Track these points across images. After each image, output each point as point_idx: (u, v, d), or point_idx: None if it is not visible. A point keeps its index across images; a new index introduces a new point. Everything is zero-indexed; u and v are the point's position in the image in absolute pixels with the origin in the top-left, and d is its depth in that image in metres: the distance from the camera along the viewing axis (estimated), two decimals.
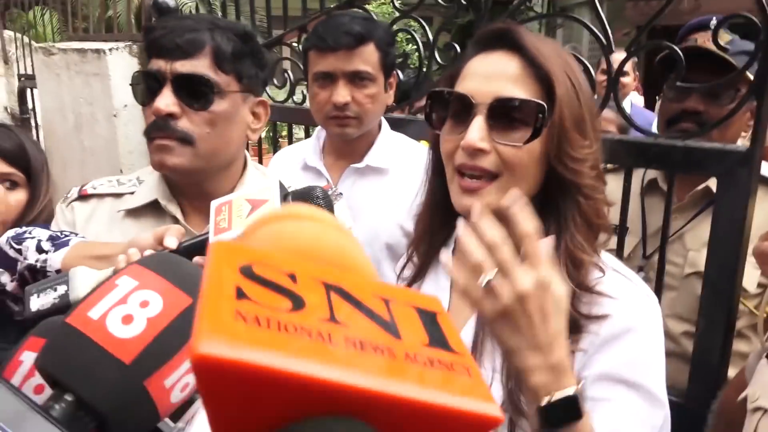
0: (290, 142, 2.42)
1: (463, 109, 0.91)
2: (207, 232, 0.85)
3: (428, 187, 1.04)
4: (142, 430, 0.50)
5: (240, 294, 0.27)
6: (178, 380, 0.49)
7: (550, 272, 0.72)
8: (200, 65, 1.11)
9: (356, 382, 0.24)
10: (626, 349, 0.87)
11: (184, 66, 1.10)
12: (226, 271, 0.28)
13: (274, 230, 0.34)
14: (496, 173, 0.90)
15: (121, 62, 2.72)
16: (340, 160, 1.78)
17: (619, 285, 0.91)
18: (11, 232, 1.20)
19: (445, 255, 1.02)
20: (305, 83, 2.26)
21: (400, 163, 1.74)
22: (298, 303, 0.28)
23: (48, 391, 0.48)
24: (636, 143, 1.48)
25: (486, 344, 0.92)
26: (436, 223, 1.05)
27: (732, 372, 1.50)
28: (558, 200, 0.91)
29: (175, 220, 1.19)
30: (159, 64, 1.10)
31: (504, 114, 0.88)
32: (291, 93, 2.33)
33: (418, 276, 1.07)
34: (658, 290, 1.48)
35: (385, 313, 0.30)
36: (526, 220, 0.73)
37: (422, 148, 1.76)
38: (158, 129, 1.10)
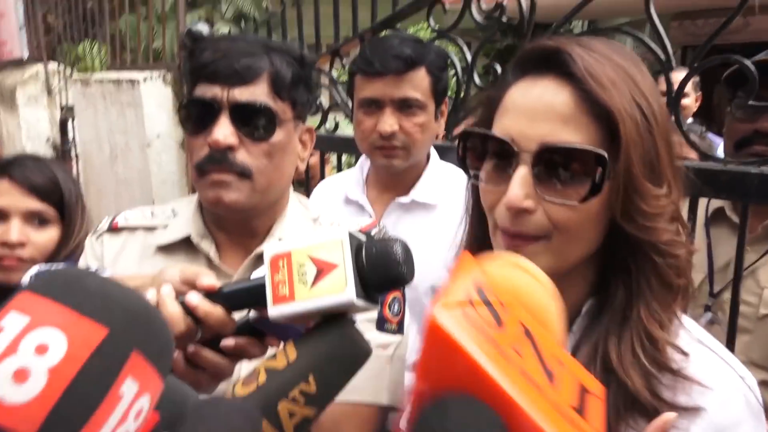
0: (322, 172, 2.33)
1: (503, 156, 0.74)
2: (251, 282, 0.71)
3: (469, 229, 0.90)
4: None
5: (470, 302, 0.38)
6: (121, 420, 0.38)
7: None
8: (259, 92, 1.02)
9: (504, 385, 0.34)
10: None
11: (243, 94, 1.00)
12: (468, 282, 0.40)
13: (513, 274, 0.44)
14: (543, 237, 0.73)
15: (154, 91, 2.71)
16: (384, 193, 1.65)
17: (712, 368, 0.73)
18: (34, 269, 1.12)
19: None
20: (338, 110, 2.19)
21: (449, 198, 1.59)
22: (500, 324, 0.38)
23: None
24: (703, 170, 1.32)
25: None
26: None
27: None
28: (627, 260, 0.74)
29: (208, 260, 1.10)
30: (214, 91, 1.01)
31: (554, 165, 0.71)
32: (323, 120, 2.25)
33: None
34: (732, 333, 1.31)
35: (554, 368, 0.37)
36: None
37: None
38: (215, 162, 1.01)
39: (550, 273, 0.73)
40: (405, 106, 1.52)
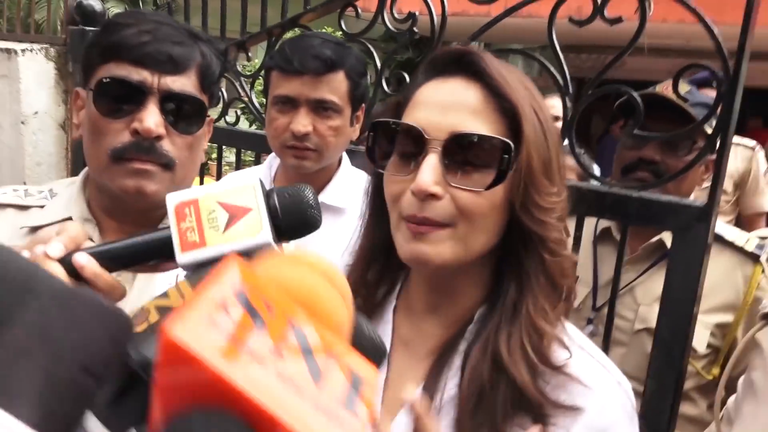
0: (219, 165, 2.25)
1: (412, 145, 0.76)
2: (153, 233, 0.65)
3: (365, 232, 0.90)
4: None
5: (223, 306, 0.35)
6: None
7: None
8: (189, 83, 0.99)
9: (250, 391, 0.31)
10: None
11: (175, 83, 0.97)
12: (225, 289, 0.36)
13: (283, 267, 0.42)
14: (449, 224, 0.76)
15: (34, 65, 2.47)
16: None
17: (591, 370, 0.78)
18: None
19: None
20: (241, 104, 2.12)
21: (359, 202, 1.58)
22: (261, 326, 0.35)
23: None
24: (591, 191, 1.40)
25: None
26: (375, 274, 0.89)
27: None
28: (521, 256, 0.79)
29: None
30: (143, 75, 0.95)
31: (462, 153, 0.75)
32: (224, 113, 2.17)
33: None
34: (606, 345, 1.40)
35: (324, 365, 0.36)
36: None
37: None
38: (141, 151, 0.96)
39: (455, 262, 0.77)
40: (321, 108, 1.49)
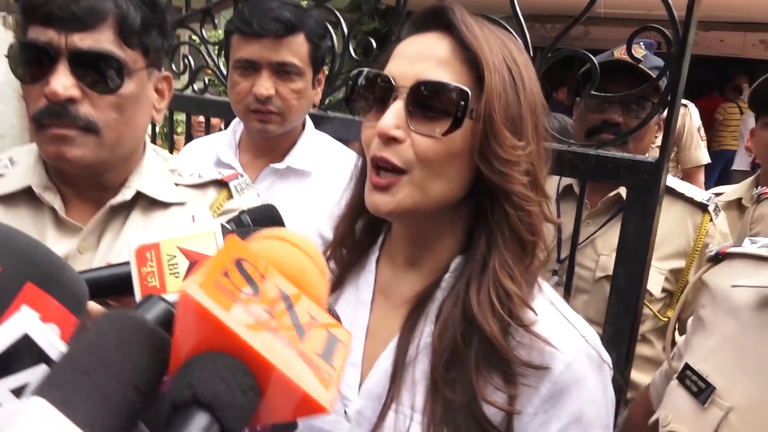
0: (188, 133, 2.25)
1: (383, 93, 0.80)
2: (114, 269, 0.65)
3: (354, 184, 0.94)
4: None
5: (225, 274, 0.41)
6: None
7: None
8: (103, 39, 0.93)
9: (249, 339, 0.38)
10: (573, 409, 0.78)
11: (84, 40, 0.91)
12: (227, 258, 0.43)
13: (273, 246, 0.47)
14: (404, 169, 0.79)
15: None
16: (257, 158, 1.63)
17: (559, 329, 0.80)
18: None
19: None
20: (209, 71, 2.12)
21: (324, 166, 1.61)
22: (255, 291, 0.42)
23: None
24: (552, 150, 1.47)
25: (406, 377, 0.82)
26: (360, 226, 0.94)
27: (634, 375, 1.55)
28: (487, 208, 0.81)
29: (53, 212, 1.02)
30: (49, 35, 0.90)
31: (425, 100, 0.78)
32: (191, 81, 2.17)
33: (336, 285, 0.96)
34: (568, 292, 1.49)
35: (307, 324, 0.43)
36: None
37: (350, 152, 1.65)
38: (54, 116, 0.92)
39: (416, 209, 0.80)
40: (282, 71, 1.50)
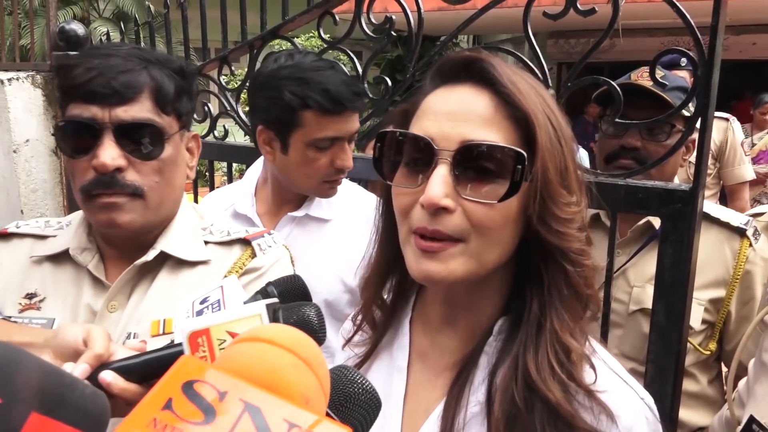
0: (212, 179, 2.26)
1: (421, 156, 0.73)
2: (168, 351, 0.71)
3: (378, 247, 0.87)
4: None
5: (167, 405, 0.38)
6: None
7: None
8: (143, 110, 1.00)
9: None
10: None
11: (126, 112, 0.98)
12: (171, 384, 0.39)
13: (240, 351, 0.44)
14: (461, 239, 0.72)
15: (22, 93, 2.49)
16: (275, 207, 1.61)
17: (618, 391, 0.75)
18: None
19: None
20: (229, 117, 2.13)
21: (343, 212, 1.59)
22: (210, 416, 0.38)
23: None
24: None
25: None
26: (390, 287, 0.88)
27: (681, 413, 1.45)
28: (541, 269, 0.75)
29: (91, 275, 1.07)
30: (93, 111, 0.97)
31: (473, 164, 0.71)
32: (212, 128, 2.18)
33: (371, 351, 0.89)
34: (605, 328, 1.41)
35: None
36: None
37: (369, 195, 1.63)
38: (103, 185, 0.99)
39: (468, 278, 0.74)
40: (352, 138, 1.53)
